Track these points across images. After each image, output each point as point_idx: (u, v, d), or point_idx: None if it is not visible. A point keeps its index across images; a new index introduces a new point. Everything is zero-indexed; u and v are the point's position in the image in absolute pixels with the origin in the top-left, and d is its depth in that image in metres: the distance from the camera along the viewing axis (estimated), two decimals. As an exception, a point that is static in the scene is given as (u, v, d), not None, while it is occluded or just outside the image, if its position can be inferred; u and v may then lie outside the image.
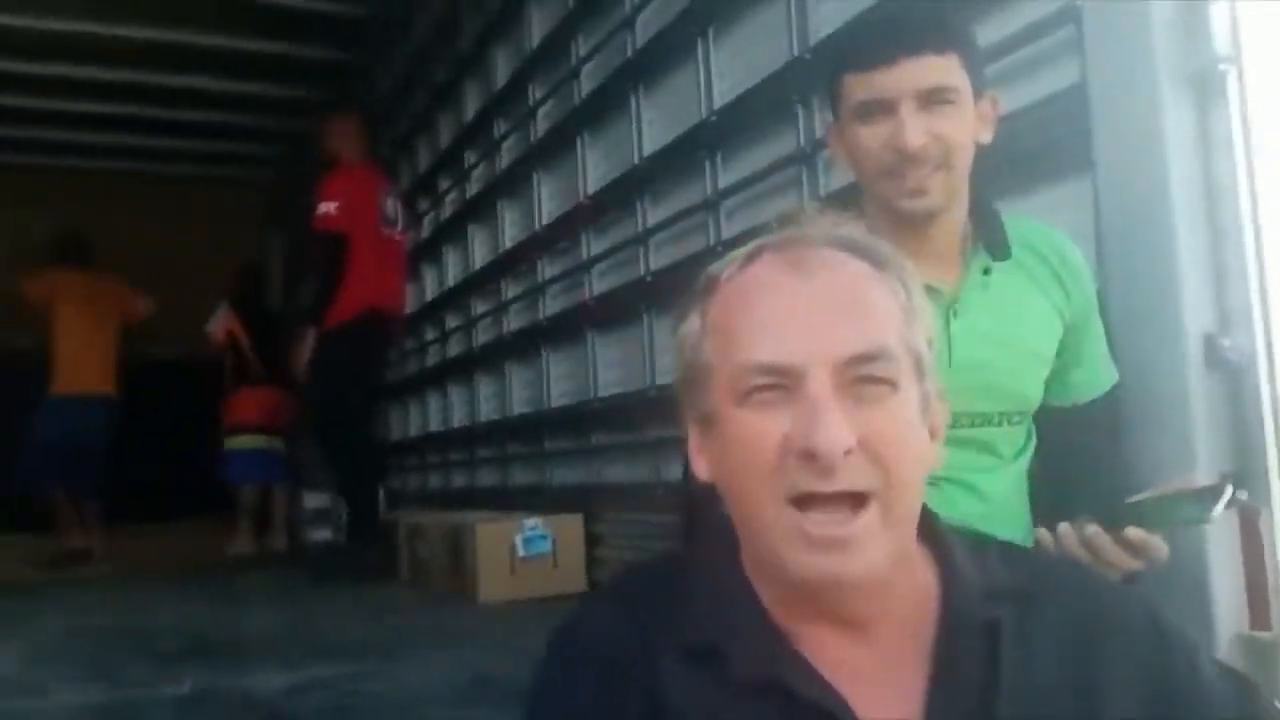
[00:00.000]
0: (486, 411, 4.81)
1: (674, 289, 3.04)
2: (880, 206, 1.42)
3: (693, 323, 0.84)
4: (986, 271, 1.44)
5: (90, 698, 2.12)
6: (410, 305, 5.82)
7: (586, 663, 0.83)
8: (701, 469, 0.85)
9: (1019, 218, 1.55)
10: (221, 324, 6.09)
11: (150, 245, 6.92)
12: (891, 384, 0.78)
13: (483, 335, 4.86)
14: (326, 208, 4.26)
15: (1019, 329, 1.46)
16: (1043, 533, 1.28)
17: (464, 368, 5.10)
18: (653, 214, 3.27)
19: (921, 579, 0.83)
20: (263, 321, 6.19)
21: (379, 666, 2.36)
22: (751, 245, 0.84)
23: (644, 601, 0.85)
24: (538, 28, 4.10)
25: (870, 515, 0.75)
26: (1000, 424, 1.46)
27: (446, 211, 5.34)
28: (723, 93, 2.91)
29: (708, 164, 2.94)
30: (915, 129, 1.32)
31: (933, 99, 1.32)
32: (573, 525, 3.57)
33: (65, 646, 2.80)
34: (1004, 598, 0.82)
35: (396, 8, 5.40)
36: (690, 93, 3.02)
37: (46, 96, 6.18)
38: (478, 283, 4.88)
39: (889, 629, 0.81)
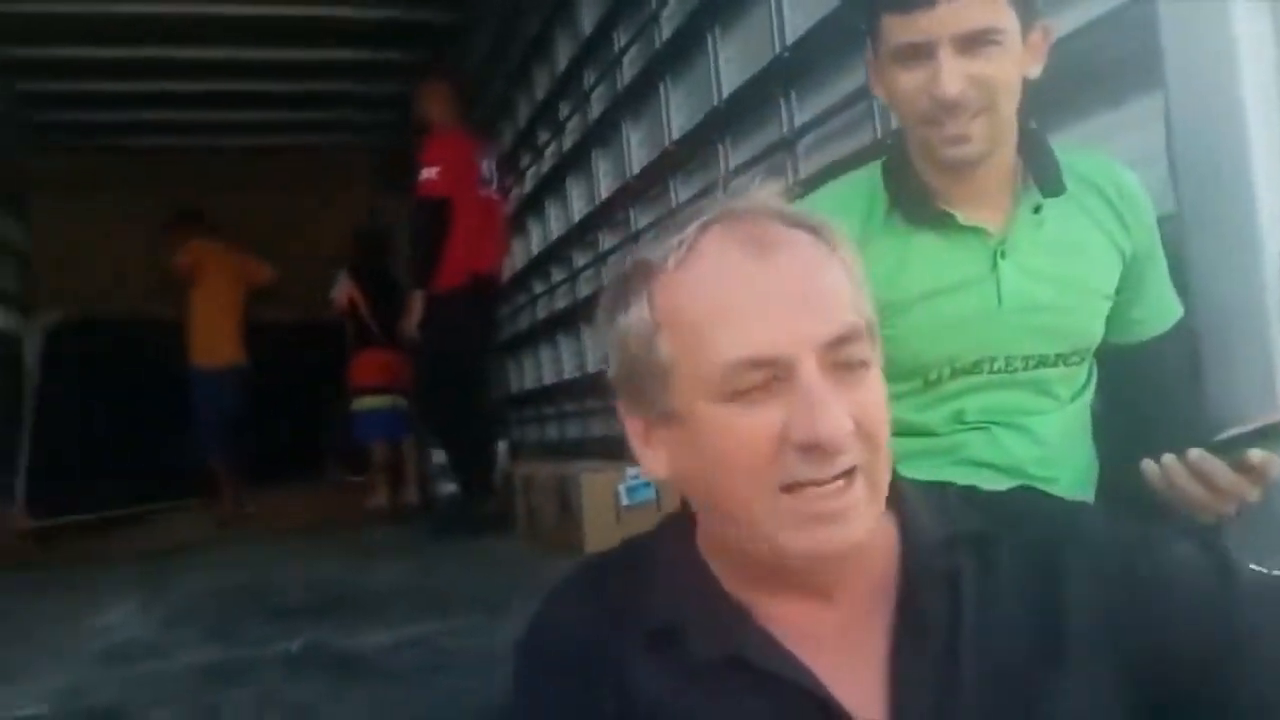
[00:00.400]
0: (593, 362, 4.87)
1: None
2: (921, 150, 1.38)
3: (638, 314, 0.79)
4: (1037, 209, 1.38)
5: (207, 657, 2.26)
6: (518, 260, 5.93)
7: (554, 662, 0.84)
8: (658, 465, 0.82)
9: (1074, 150, 1.47)
10: (343, 290, 6.30)
11: (267, 216, 7.18)
12: (866, 361, 0.77)
13: (585, 288, 4.90)
14: (428, 173, 4.32)
15: (1075, 266, 1.40)
16: (1149, 464, 1.22)
17: (570, 320, 5.16)
18: (734, 155, 3.22)
19: (883, 539, 0.83)
20: (382, 285, 6.37)
21: (481, 622, 2.44)
22: (688, 221, 0.79)
23: (605, 593, 0.85)
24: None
25: (859, 487, 0.75)
26: (1056, 365, 1.40)
27: (546, 165, 5.37)
28: (795, 27, 2.83)
29: (782, 102, 2.87)
30: (953, 76, 1.26)
31: (975, 41, 1.25)
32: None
33: (197, 607, 2.98)
34: (963, 543, 0.81)
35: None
36: (765, 29, 2.95)
37: (154, 79, 6.41)
38: (577, 235, 4.92)
39: (852, 593, 0.81)
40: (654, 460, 0.82)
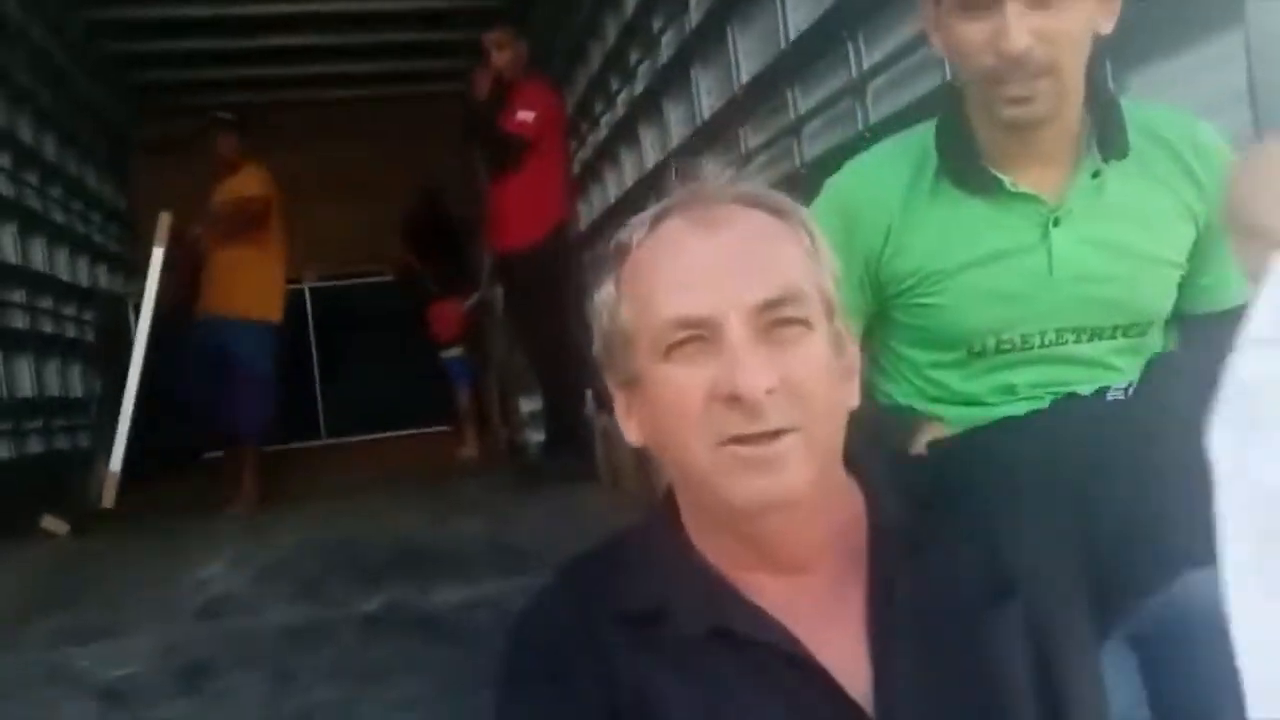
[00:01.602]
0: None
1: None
2: (981, 107, 1.31)
3: (607, 289, 0.87)
4: (1096, 174, 1.30)
5: (292, 617, 2.35)
6: (595, 208, 5.94)
7: (541, 654, 0.87)
8: (632, 433, 0.88)
9: (1145, 104, 1.40)
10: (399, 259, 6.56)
11: (352, 168, 7.30)
12: (805, 324, 0.81)
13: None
14: (525, 115, 4.36)
15: (1139, 234, 1.32)
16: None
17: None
18: (803, 102, 3.14)
19: (852, 511, 0.87)
20: (441, 239, 6.53)
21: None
22: (657, 207, 0.87)
23: (590, 582, 0.89)
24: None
25: (791, 438, 0.79)
26: (1115, 337, 1.34)
27: (619, 113, 5.33)
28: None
29: (849, 46, 2.78)
30: (1021, 30, 1.19)
31: None
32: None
33: (290, 562, 3.08)
34: (926, 504, 0.86)
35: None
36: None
37: (246, 35, 6.52)
38: (650, 183, 4.87)
39: (828, 566, 0.85)
40: (630, 428, 0.88)
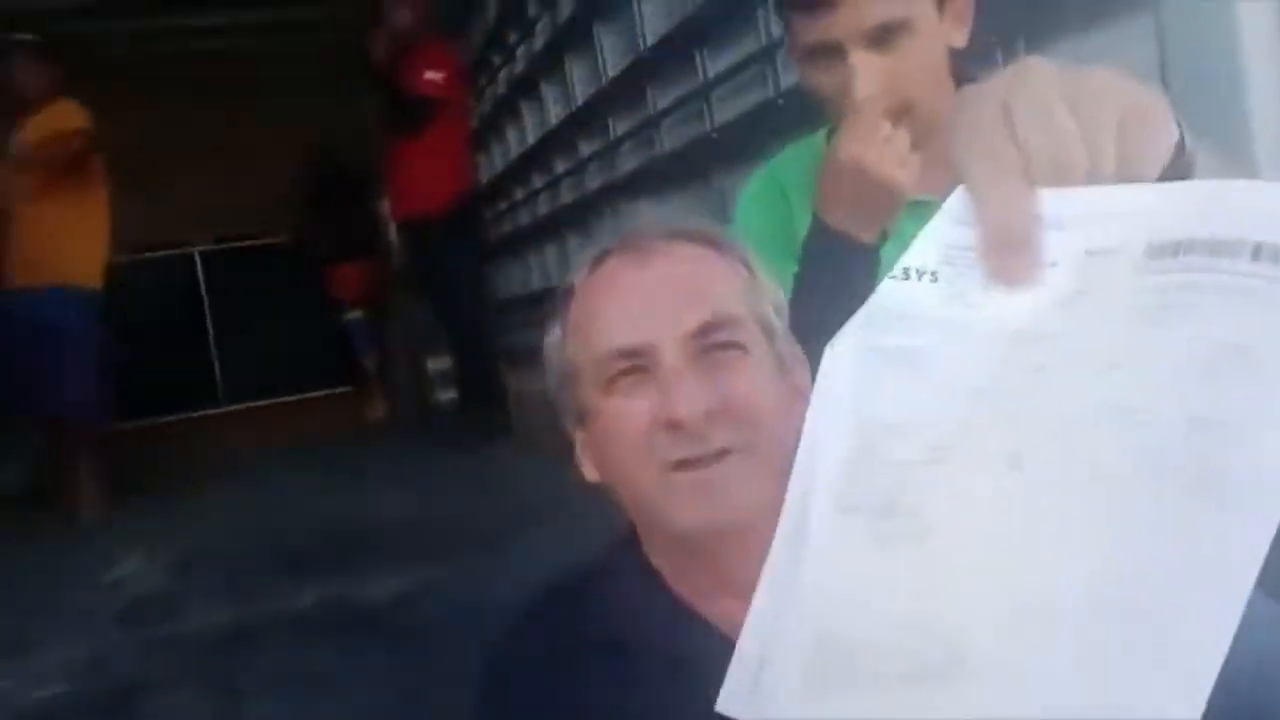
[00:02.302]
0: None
1: (740, 143, 2.96)
2: None
3: (554, 333, 0.90)
4: None
5: (218, 617, 2.29)
6: (496, 164, 5.85)
7: (513, 690, 0.89)
8: (589, 471, 0.90)
9: None
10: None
11: (241, 127, 7.03)
12: (741, 348, 0.82)
13: (567, 194, 4.81)
14: (434, 75, 4.25)
15: None
16: None
17: (554, 227, 5.09)
18: (712, 65, 3.12)
19: None
20: (338, 199, 6.39)
21: (488, 561, 2.46)
22: (596, 250, 0.89)
23: (559, 615, 0.90)
24: None
25: (735, 459, 0.79)
26: None
27: (519, 67, 5.22)
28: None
29: (761, 11, 2.77)
30: (867, 76, 1.20)
31: (885, 35, 1.19)
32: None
33: (212, 554, 3.01)
34: None
35: None
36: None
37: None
38: (555, 142, 4.81)
39: None
40: (588, 467, 0.90)
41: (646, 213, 0.92)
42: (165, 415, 7.26)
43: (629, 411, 0.81)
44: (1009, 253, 0.48)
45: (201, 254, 7.84)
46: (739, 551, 0.81)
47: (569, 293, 0.90)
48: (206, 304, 7.95)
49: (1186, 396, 0.45)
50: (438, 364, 6.26)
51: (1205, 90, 1.53)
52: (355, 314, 6.62)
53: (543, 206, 5.27)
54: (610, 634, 0.85)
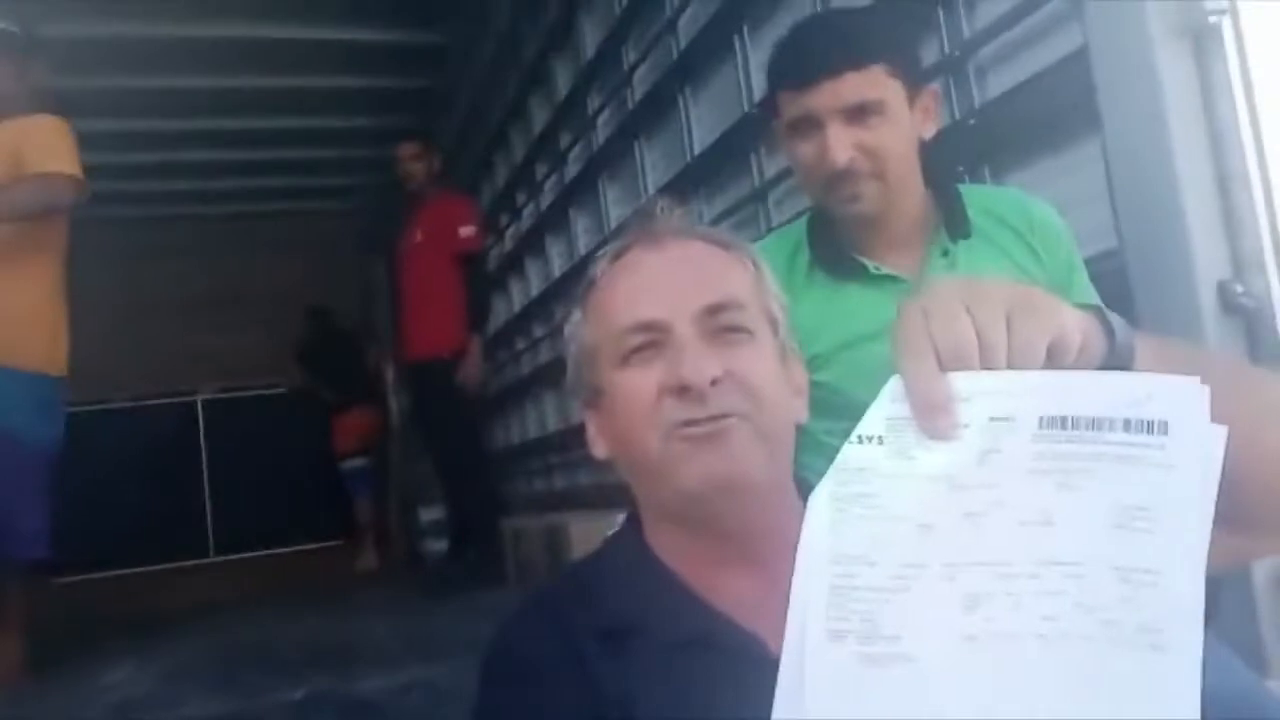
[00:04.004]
0: (577, 413, 4.94)
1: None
2: (828, 209, 1.50)
3: (575, 318, 0.96)
4: (946, 253, 1.48)
5: (214, 709, 2.32)
6: (500, 317, 6.07)
7: (520, 678, 0.88)
8: (600, 448, 0.95)
9: (983, 189, 1.61)
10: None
11: (244, 282, 7.33)
12: (748, 331, 0.88)
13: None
14: (467, 231, 4.50)
15: None
16: None
17: (553, 374, 5.26)
18: (709, 209, 3.35)
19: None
20: (335, 355, 6.66)
21: (478, 663, 2.49)
22: (618, 243, 0.96)
23: (563, 602, 0.91)
24: (590, 38, 4.23)
25: (736, 421, 0.84)
26: None
27: (524, 225, 5.51)
28: (761, 86, 2.97)
29: (754, 157, 3.01)
30: (841, 146, 1.38)
31: (861, 112, 1.38)
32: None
33: (197, 663, 3.02)
34: None
35: (464, 32, 5.59)
36: (733, 88, 3.11)
37: (131, 150, 6.50)
38: (557, 292, 5.03)
39: (790, 567, 0.89)
40: (598, 444, 0.95)
41: (663, 208, 1.01)
42: (155, 564, 7.21)
43: (640, 382, 0.87)
44: (932, 415, 0.63)
45: (204, 402, 7.99)
46: (736, 516, 0.86)
47: (590, 282, 0.95)
48: (204, 453, 8.04)
49: (1106, 550, 0.58)
50: (430, 514, 6.31)
51: (1149, 205, 1.71)
52: (355, 463, 6.71)
53: (544, 355, 5.46)
54: (612, 618, 0.86)
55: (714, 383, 0.84)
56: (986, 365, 0.62)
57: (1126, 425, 0.59)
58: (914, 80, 1.43)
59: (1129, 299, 1.65)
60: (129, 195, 7.11)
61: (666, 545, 0.91)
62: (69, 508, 3.38)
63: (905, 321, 0.65)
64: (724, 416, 0.84)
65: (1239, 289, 1.60)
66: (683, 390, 0.84)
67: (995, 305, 0.64)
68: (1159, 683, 0.55)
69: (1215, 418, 0.59)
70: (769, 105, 1.49)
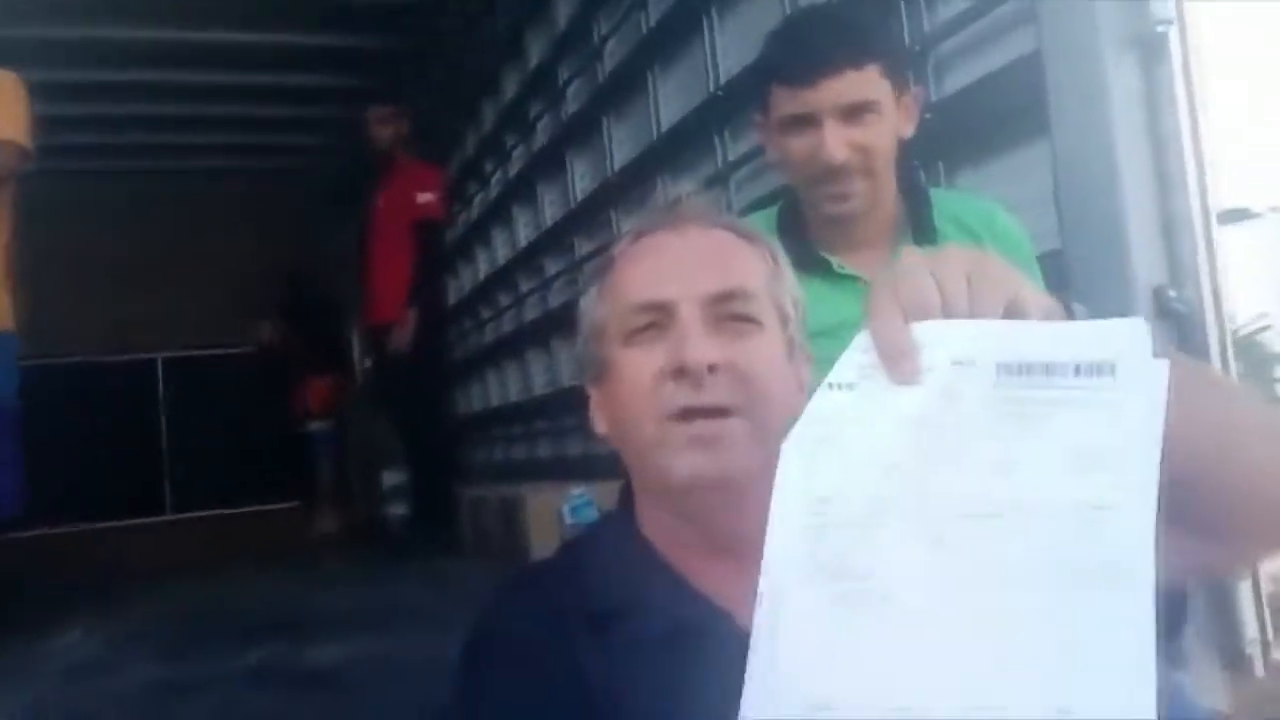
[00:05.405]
0: (540, 385, 4.98)
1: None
2: (809, 204, 1.51)
3: (591, 294, 0.96)
4: None
5: (161, 674, 2.33)
6: (465, 285, 6.07)
7: (502, 658, 0.88)
8: (600, 423, 0.95)
9: (948, 194, 1.63)
10: (267, 332, 6.64)
11: (207, 241, 7.26)
12: (756, 322, 0.89)
13: (530, 312, 5.01)
14: (426, 198, 4.46)
15: None
16: None
17: (519, 342, 5.28)
18: (673, 188, 3.36)
19: None
20: (314, 317, 6.63)
21: (432, 636, 2.52)
22: (640, 223, 0.96)
23: (547, 588, 0.91)
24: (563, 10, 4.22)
25: (736, 421, 0.85)
26: None
27: (492, 194, 5.49)
28: (728, 69, 2.99)
29: (717, 140, 3.03)
30: (837, 144, 1.40)
31: (856, 112, 1.40)
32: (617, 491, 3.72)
33: (148, 627, 3.03)
34: None
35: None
36: (700, 70, 3.12)
37: (87, 101, 6.38)
38: (523, 262, 5.04)
39: None
40: (599, 419, 0.95)
41: (687, 194, 1.01)
42: (110, 520, 7.18)
43: (642, 362, 0.87)
44: (897, 360, 0.66)
45: (164, 360, 7.94)
46: (729, 512, 0.85)
47: (609, 260, 0.95)
48: (162, 413, 8.00)
49: (1064, 491, 0.61)
50: (392, 478, 6.32)
51: (1092, 210, 1.75)
52: (321, 424, 6.70)
53: (507, 325, 5.47)
54: (604, 603, 0.86)
55: (712, 369, 0.84)
56: (948, 317, 0.66)
57: (1077, 370, 0.62)
58: (902, 81, 1.45)
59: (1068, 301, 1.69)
60: (89, 149, 6.98)
61: (657, 528, 0.91)
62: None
63: (875, 286, 0.68)
64: (721, 414, 0.84)
65: (1173, 294, 1.65)
66: (679, 372, 0.84)
67: (956, 266, 0.67)
68: (1117, 616, 0.58)
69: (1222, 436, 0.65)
70: (760, 98, 1.49)
